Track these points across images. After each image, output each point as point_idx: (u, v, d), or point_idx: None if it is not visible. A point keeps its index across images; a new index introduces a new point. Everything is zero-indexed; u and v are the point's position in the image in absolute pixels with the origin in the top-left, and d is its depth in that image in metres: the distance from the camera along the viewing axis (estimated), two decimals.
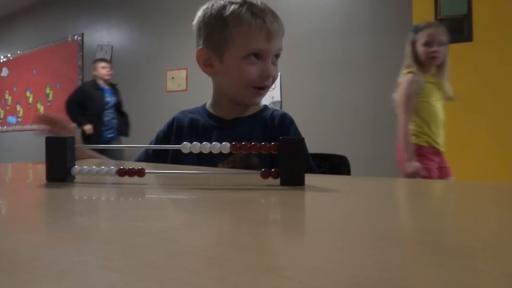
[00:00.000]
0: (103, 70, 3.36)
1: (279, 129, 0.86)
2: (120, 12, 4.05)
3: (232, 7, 0.79)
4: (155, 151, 0.89)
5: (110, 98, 3.37)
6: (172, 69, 3.48)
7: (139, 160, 0.91)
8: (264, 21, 0.78)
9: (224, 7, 0.80)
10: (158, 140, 0.91)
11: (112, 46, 4.13)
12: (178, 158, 0.85)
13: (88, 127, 3.25)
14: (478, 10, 1.75)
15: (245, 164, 0.80)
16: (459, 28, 1.81)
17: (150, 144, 0.94)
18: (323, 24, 2.64)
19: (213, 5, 0.82)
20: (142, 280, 0.15)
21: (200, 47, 0.84)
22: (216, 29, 0.80)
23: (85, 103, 3.29)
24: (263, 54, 0.80)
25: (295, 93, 2.73)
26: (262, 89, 0.84)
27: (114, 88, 3.42)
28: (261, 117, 0.88)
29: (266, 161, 0.80)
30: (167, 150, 0.87)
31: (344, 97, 2.54)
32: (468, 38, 1.77)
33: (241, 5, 0.79)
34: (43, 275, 0.15)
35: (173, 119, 0.92)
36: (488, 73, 1.69)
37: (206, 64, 0.85)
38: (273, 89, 2.84)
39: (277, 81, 2.85)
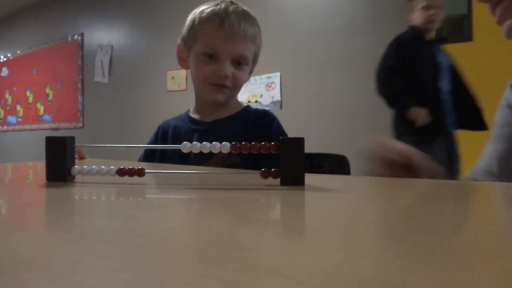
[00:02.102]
0: (424, 13, 1.76)
1: (260, 127, 0.86)
2: (120, 12, 4.05)
3: (206, 7, 0.83)
4: (145, 158, 0.93)
5: (445, 62, 1.77)
6: (172, 69, 3.48)
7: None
8: (223, 21, 0.80)
9: (204, 7, 0.85)
10: (147, 150, 0.94)
11: (112, 46, 4.12)
12: (163, 162, 0.88)
13: (422, 114, 1.65)
14: (478, 10, 1.75)
15: (226, 163, 0.80)
16: (459, 28, 1.81)
17: (142, 155, 0.96)
18: (324, 24, 2.64)
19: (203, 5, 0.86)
20: (142, 280, 0.15)
21: (178, 42, 0.90)
22: (187, 26, 0.86)
23: (411, 68, 1.72)
24: (219, 53, 0.81)
25: (295, 93, 2.73)
26: (221, 87, 0.84)
27: (444, 46, 1.85)
28: (241, 116, 0.89)
29: (249, 160, 0.80)
30: (153, 156, 0.91)
31: (344, 97, 2.54)
32: (468, 38, 1.77)
33: (217, 4, 0.83)
34: (43, 275, 0.15)
35: (158, 129, 0.95)
36: (488, 73, 1.69)
37: (181, 58, 0.91)
38: (273, 89, 2.84)
39: (277, 81, 2.84)
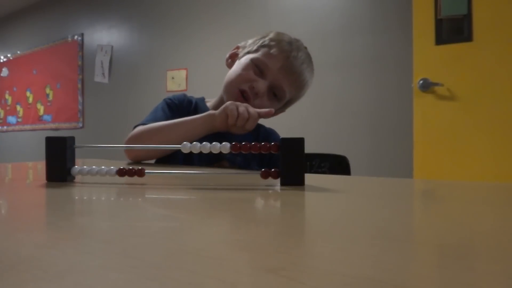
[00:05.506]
0: None
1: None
2: (120, 12, 4.05)
3: (284, 35, 0.90)
4: (172, 113, 0.93)
5: None
6: (172, 69, 3.48)
7: (156, 119, 0.91)
8: (292, 53, 0.85)
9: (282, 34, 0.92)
10: (168, 103, 0.96)
11: (112, 46, 4.12)
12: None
13: None
14: (478, 10, 1.74)
15: None
16: (459, 28, 1.81)
17: (160, 106, 0.98)
18: (322, 24, 2.63)
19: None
20: (142, 280, 0.15)
21: (239, 44, 0.96)
22: (258, 37, 0.92)
23: None
24: (267, 74, 0.84)
25: None
26: (242, 98, 0.86)
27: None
28: (252, 133, 0.90)
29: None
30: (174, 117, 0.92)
31: (344, 97, 2.54)
32: (468, 38, 1.76)
33: (291, 40, 0.89)
34: (43, 275, 0.15)
35: (175, 96, 0.98)
36: (488, 73, 1.69)
37: (231, 57, 0.95)
38: None
39: None
